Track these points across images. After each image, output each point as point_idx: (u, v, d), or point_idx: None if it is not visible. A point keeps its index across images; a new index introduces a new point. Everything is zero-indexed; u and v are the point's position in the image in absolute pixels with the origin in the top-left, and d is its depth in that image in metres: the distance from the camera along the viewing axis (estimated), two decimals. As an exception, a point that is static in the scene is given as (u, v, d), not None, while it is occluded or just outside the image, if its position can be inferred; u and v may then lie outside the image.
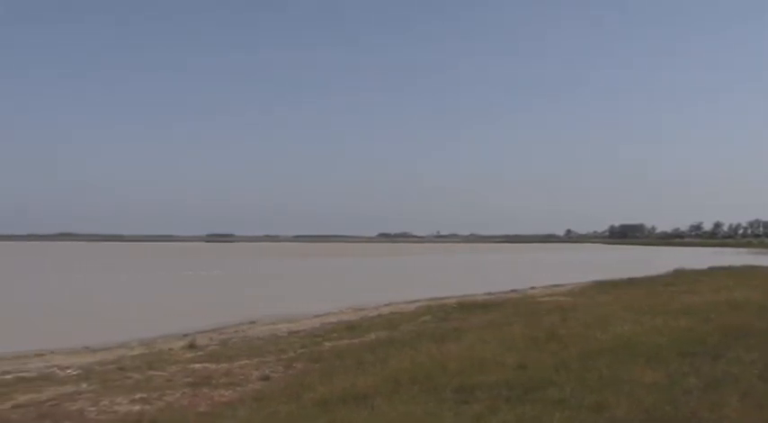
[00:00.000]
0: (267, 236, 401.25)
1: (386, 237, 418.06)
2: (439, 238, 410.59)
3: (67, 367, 17.50)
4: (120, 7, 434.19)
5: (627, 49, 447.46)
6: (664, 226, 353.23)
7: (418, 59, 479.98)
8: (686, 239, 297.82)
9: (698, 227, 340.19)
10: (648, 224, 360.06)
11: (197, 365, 16.98)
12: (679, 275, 48.12)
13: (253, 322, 29.06)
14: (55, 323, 30.41)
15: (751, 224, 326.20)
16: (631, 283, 41.38)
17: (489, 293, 39.43)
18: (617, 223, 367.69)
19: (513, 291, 42.47)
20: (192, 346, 21.09)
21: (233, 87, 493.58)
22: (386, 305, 34.93)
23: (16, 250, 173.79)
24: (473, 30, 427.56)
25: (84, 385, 14.72)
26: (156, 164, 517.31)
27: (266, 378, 14.76)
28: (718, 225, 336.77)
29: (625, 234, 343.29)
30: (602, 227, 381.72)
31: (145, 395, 13.13)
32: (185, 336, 24.53)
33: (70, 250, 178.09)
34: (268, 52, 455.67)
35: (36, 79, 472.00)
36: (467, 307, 29.25)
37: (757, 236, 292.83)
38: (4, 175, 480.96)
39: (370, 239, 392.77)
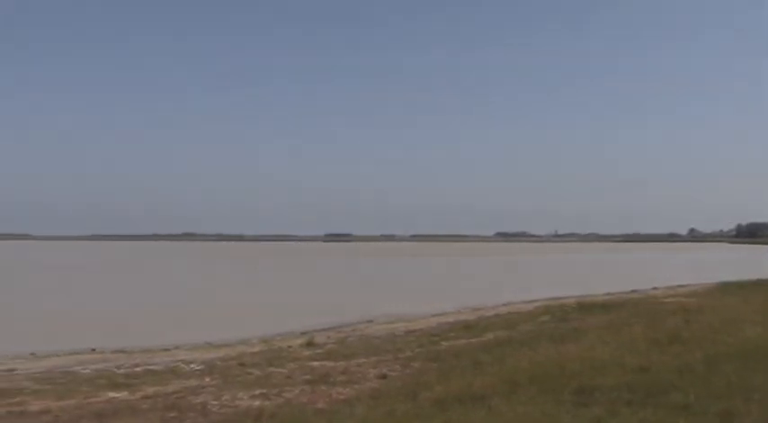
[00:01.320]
0: (384, 235, 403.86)
1: (503, 236, 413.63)
2: (557, 237, 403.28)
3: (191, 362, 18.04)
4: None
5: None
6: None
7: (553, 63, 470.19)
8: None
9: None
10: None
11: (315, 363, 17.18)
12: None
13: (370, 321, 29.26)
14: (180, 320, 31.47)
15: None
16: (760, 284, 39.33)
17: (609, 294, 38.38)
18: (745, 222, 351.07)
19: (633, 291, 41.25)
20: (310, 344, 21.36)
21: (375, 92, 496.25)
22: (503, 305, 34.56)
23: (144, 249, 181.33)
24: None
25: (206, 380, 15.13)
26: (275, 166, 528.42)
27: (383, 376, 14.77)
28: None
29: (754, 233, 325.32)
30: (728, 225, 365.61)
31: (265, 391, 13.37)
32: (304, 334, 24.92)
33: (194, 250, 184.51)
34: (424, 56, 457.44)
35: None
36: (586, 307, 28.53)
37: None
38: (140, 178, 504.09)
39: (487, 239, 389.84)
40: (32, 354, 20.67)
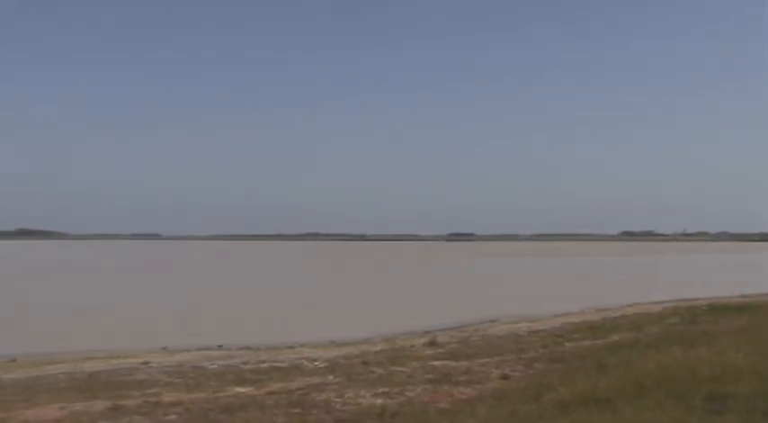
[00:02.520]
0: (506, 235, 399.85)
1: (629, 235, 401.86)
2: (685, 236, 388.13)
3: (315, 360, 18.37)
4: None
5: None
6: None
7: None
8: None
9: None
10: None
11: (437, 362, 17.18)
12: None
13: (493, 321, 29.04)
14: (305, 318, 32.13)
15: None
16: None
17: (744, 296, 36.63)
18: None
19: (773, 293, 39.17)
20: (432, 344, 21.37)
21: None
22: (629, 305, 33.60)
23: (269, 249, 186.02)
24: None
25: (330, 377, 15.38)
26: (398, 167, 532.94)
27: (506, 377, 14.64)
28: None
29: None
30: None
31: (387, 389, 13.47)
32: (426, 333, 24.95)
33: (315, 249, 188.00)
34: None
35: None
36: (718, 309, 27.36)
37: None
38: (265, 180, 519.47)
39: (612, 238, 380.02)
40: (164, 348, 21.58)
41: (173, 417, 11.53)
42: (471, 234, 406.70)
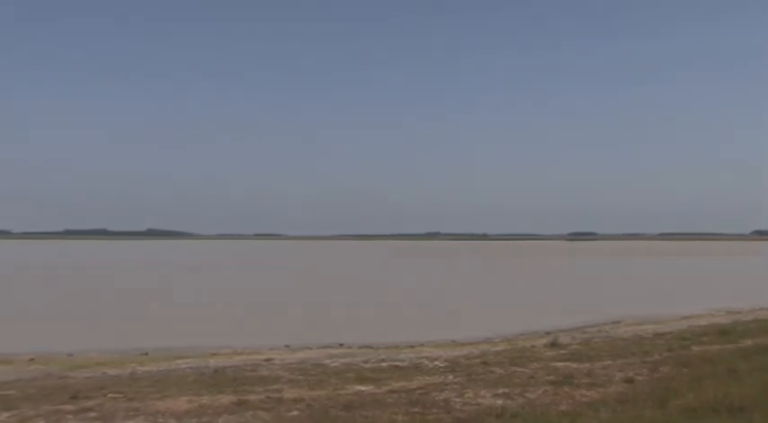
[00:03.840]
0: (630, 234, 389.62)
1: (762, 234, 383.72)
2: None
3: (435, 359, 18.38)
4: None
5: None
6: None
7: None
8: None
9: None
10: None
11: (559, 364, 16.89)
12: None
13: (616, 322, 28.35)
14: (425, 318, 32.23)
15: None
16: None
17: None
18: None
19: None
20: (554, 345, 21.03)
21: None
22: (763, 309, 32.10)
23: (389, 248, 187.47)
24: None
25: (450, 377, 15.34)
26: (517, 164, 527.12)
27: (630, 380, 14.23)
28: None
29: None
30: None
31: (507, 390, 13.33)
32: (548, 333, 24.62)
33: (436, 249, 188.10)
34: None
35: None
36: None
37: None
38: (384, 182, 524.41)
39: (743, 237, 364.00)
40: (287, 346, 22.07)
41: (294, 413, 11.76)
42: (593, 233, 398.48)
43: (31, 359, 19.65)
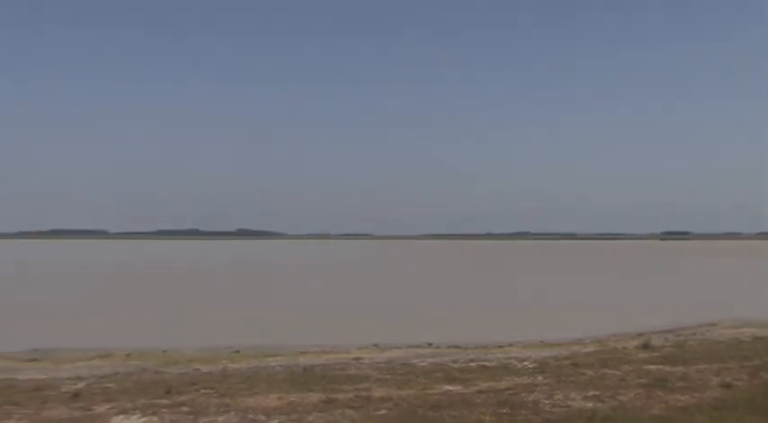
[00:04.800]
0: (727, 233, 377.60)
1: None
2: None
3: (524, 360, 18.19)
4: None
5: None
6: None
7: None
8: None
9: None
10: None
11: (651, 366, 16.49)
12: None
13: (712, 324, 27.49)
14: (514, 318, 31.93)
15: None
16: None
17: None
18: None
19: None
20: (646, 347, 20.53)
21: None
22: None
23: (477, 248, 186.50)
24: None
25: (539, 378, 15.16)
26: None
27: (727, 385, 13.77)
28: None
29: None
30: None
31: (598, 393, 13.08)
32: (640, 335, 24.05)
33: (524, 249, 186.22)
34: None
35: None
36: None
37: None
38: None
39: None
40: (375, 345, 22.16)
41: (382, 411, 11.81)
42: (687, 232, 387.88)
43: (128, 355, 20.29)
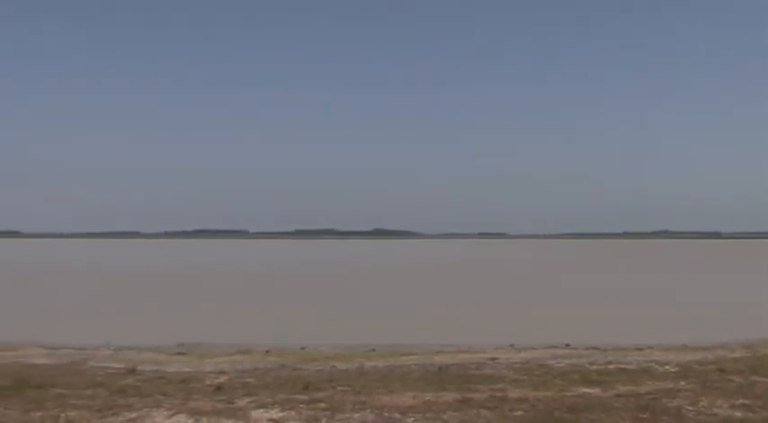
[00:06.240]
0: None
1: None
2: None
3: (665, 363, 17.51)
4: None
5: None
6: None
7: None
8: None
9: None
10: None
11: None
12: None
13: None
14: (651, 319, 30.93)
15: None
16: None
17: None
18: None
19: None
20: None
21: None
22: None
23: (614, 248, 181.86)
24: None
25: (682, 383, 14.56)
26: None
27: None
28: None
29: None
30: None
31: (747, 402, 12.41)
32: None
33: (665, 247, 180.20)
34: None
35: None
36: None
37: None
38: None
39: None
40: (512, 345, 21.88)
41: (518, 413, 11.65)
42: None
43: (267, 351, 20.83)
